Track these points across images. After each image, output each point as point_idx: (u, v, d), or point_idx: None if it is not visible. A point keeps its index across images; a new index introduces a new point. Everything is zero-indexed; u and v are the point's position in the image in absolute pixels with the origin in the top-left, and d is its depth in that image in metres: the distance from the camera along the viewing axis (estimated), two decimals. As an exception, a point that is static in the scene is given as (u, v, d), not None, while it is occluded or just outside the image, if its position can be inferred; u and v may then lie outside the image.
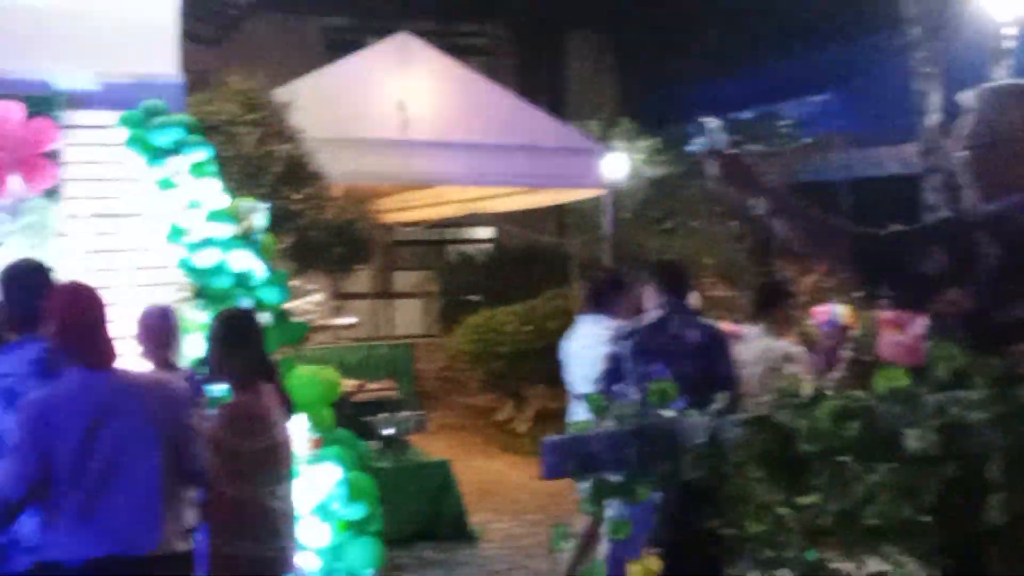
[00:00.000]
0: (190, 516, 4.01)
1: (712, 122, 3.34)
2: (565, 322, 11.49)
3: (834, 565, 2.69)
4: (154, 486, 3.42)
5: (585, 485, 5.57)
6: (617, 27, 17.53)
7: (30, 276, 4.15)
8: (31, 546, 3.52)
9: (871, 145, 12.88)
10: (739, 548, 2.92)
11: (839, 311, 7.76)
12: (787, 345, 6.19)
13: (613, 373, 5.42)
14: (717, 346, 5.20)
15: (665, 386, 6.47)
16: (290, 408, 4.57)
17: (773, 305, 6.38)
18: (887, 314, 7.62)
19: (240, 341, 4.28)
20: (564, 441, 6.32)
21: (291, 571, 4.67)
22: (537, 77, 16.15)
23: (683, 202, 12.10)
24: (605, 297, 6.20)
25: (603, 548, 6.08)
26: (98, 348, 3.49)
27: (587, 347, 6.08)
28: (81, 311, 3.52)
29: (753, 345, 6.06)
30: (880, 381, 2.57)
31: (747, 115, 12.76)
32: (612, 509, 4.11)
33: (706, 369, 4.91)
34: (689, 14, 16.60)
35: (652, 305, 5.47)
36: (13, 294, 4.09)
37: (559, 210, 12.76)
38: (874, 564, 2.54)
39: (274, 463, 4.20)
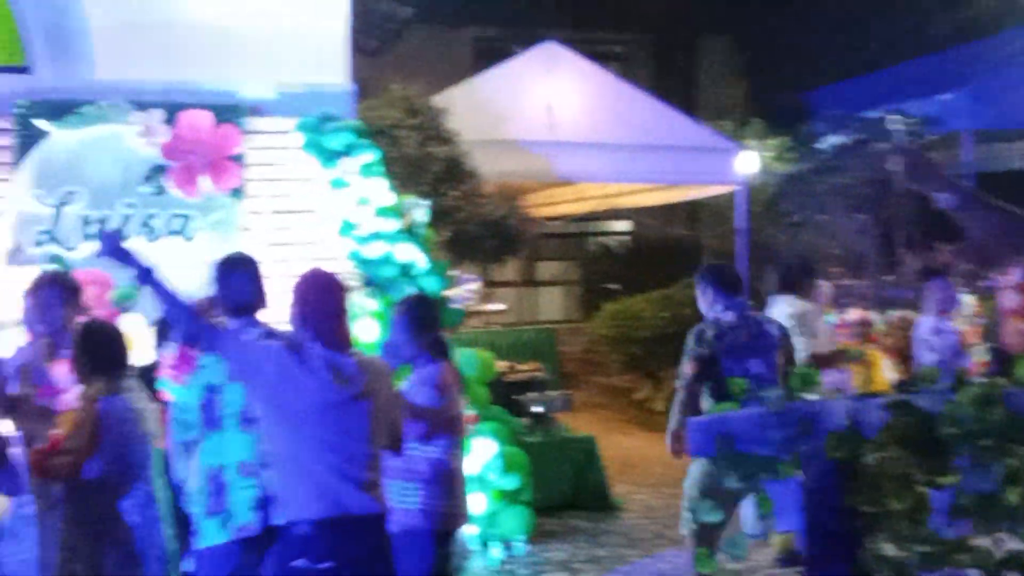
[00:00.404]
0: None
1: (897, 120, 3.41)
2: (698, 309, 11.73)
3: (973, 543, 2.83)
4: (371, 453, 3.57)
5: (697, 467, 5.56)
6: (747, 31, 17.52)
7: (248, 266, 4.39)
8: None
9: (995, 141, 12.73)
10: (879, 524, 3.08)
11: (965, 300, 7.56)
12: None
13: (701, 375, 5.55)
14: (788, 340, 5.49)
15: (808, 372, 6.49)
16: (462, 383, 4.75)
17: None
18: (1011, 303, 7.39)
19: (429, 322, 4.48)
20: (709, 421, 6.22)
21: (463, 526, 4.91)
22: (671, 80, 16.10)
23: (811, 197, 11.95)
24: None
25: (743, 521, 6.14)
26: (339, 331, 3.61)
27: None
28: (328, 296, 3.65)
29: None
30: (1020, 369, 2.68)
31: (874, 114, 12.63)
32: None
33: (788, 361, 5.28)
34: (817, 16, 16.46)
35: (716, 307, 5.61)
36: (233, 282, 4.28)
37: (692, 205, 12.79)
38: (1014, 543, 2.67)
39: (460, 428, 4.44)
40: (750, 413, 6.09)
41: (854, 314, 8.00)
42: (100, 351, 4.17)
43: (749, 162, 9.25)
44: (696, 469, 5.67)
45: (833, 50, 15.99)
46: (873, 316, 8.02)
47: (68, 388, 4.48)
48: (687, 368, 5.58)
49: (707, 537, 5.56)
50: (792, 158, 11.69)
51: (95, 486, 3.97)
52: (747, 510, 5.99)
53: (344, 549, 3.41)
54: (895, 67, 14.49)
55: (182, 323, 3.80)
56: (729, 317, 5.59)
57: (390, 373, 3.93)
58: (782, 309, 6.58)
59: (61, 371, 4.51)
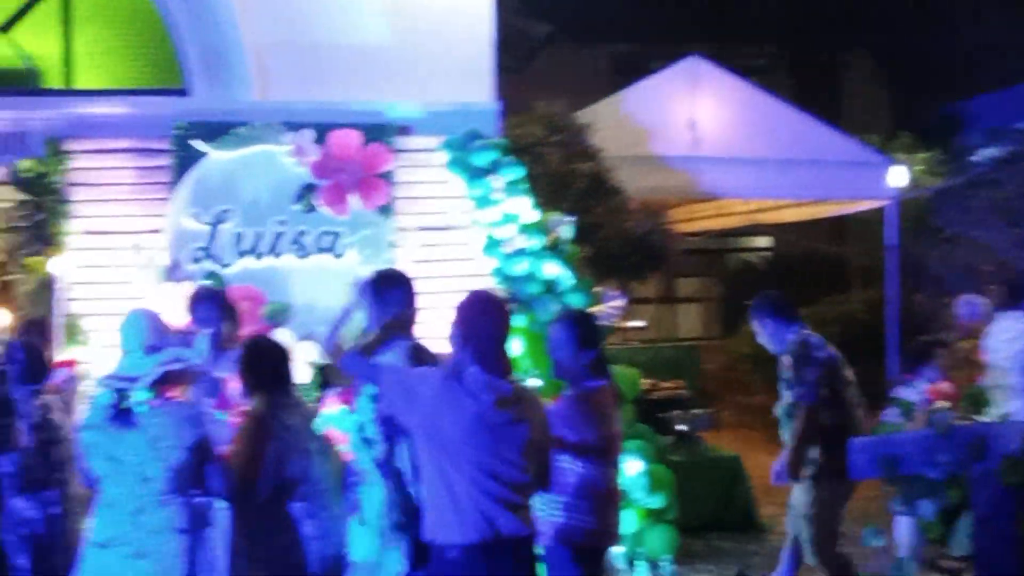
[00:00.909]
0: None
1: None
2: (847, 327, 11.10)
3: None
4: (524, 478, 3.55)
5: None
6: (891, 41, 17.33)
7: (403, 282, 4.48)
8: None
9: None
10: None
11: None
12: None
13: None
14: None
15: (980, 392, 6.11)
16: (620, 401, 4.66)
17: None
18: None
19: (591, 339, 4.36)
20: (872, 442, 5.85)
21: (615, 545, 4.88)
22: (813, 93, 16.00)
23: (965, 212, 11.68)
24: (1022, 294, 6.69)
25: (905, 544, 6.27)
26: (499, 356, 3.61)
27: (1007, 341, 6.58)
28: (490, 320, 3.66)
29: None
30: None
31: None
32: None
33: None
34: (965, 25, 16.15)
35: (784, 335, 5.71)
36: (388, 297, 4.34)
37: (836, 221, 12.65)
38: None
39: (614, 450, 4.30)
40: (917, 435, 5.80)
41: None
42: (264, 367, 4.26)
43: (900, 176, 9.15)
44: (801, 496, 5.69)
45: (985, 60, 15.79)
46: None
47: (239, 402, 4.59)
48: (809, 392, 5.52)
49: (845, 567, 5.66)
50: (943, 172, 11.45)
51: (261, 499, 4.03)
52: (901, 532, 6.31)
53: (494, 572, 3.44)
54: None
55: (355, 370, 3.96)
56: (815, 341, 5.73)
57: (542, 404, 3.91)
58: (1009, 324, 6.66)
59: (234, 385, 4.64)
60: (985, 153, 12.54)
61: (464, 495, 3.42)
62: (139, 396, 3.95)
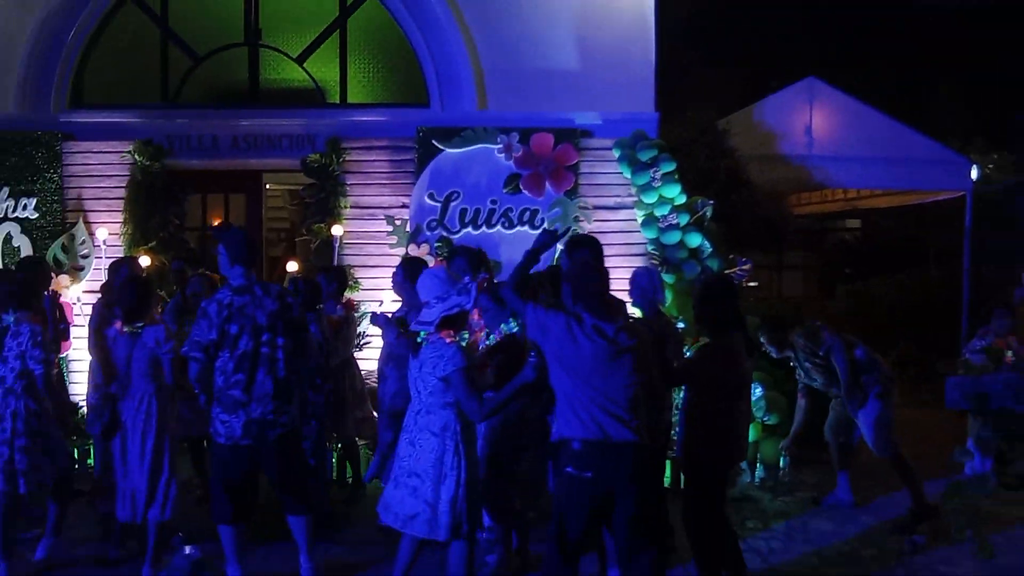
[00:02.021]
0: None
1: None
2: (925, 294, 11.66)
3: None
4: (636, 390, 3.77)
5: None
6: (971, 67, 17.16)
7: (591, 244, 4.82)
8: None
9: None
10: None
11: None
12: None
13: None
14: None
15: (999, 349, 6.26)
16: (753, 350, 4.79)
17: None
18: None
19: (715, 298, 4.51)
20: (966, 380, 6.72)
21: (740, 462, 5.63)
22: (906, 107, 15.12)
23: None
24: None
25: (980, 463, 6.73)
26: (602, 304, 3.83)
27: None
28: (590, 280, 3.89)
29: None
30: None
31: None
32: None
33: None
34: None
35: None
36: (577, 255, 4.65)
37: (920, 208, 12.45)
38: None
39: (739, 390, 4.44)
40: (1006, 376, 6.61)
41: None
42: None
43: (973, 172, 9.29)
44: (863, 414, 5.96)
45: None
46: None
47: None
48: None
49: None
50: (1012, 170, 11.59)
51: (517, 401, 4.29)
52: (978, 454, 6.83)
53: (602, 465, 3.70)
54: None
55: (509, 300, 4.17)
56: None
57: (650, 338, 4.01)
58: None
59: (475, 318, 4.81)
60: None
61: (582, 406, 3.70)
62: (423, 335, 4.15)
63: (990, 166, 10.98)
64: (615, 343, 3.73)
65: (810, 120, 8.84)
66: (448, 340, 4.06)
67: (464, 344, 4.24)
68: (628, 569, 3.86)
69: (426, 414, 4.13)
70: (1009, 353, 6.88)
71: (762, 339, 5.87)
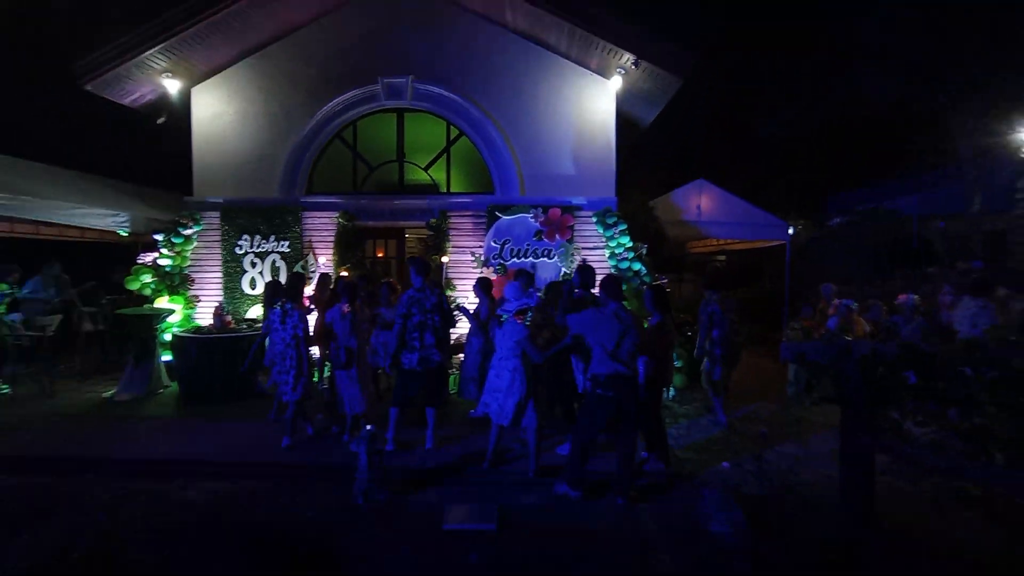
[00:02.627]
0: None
1: None
2: (761, 296, 10.97)
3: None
4: (634, 349, 3.68)
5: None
6: (794, 170, 16.37)
7: (588, 270, 4.86)
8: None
9: None
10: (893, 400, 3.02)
11: None
12: None
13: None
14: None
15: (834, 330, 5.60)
16: (676, 326, 4.81)
17: None
18: None
19: (658, 296, 4.32)
20: (792, 344, 5.65)
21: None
22: (752, 193, 15.08)
23: (823, 249, 11.25)
24: None
25: (793, 389, 6.28)
26: (622, 298, 3.82)
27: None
28: (616, 285, 3.85)
29: None
30: None
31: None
32: None
33: None
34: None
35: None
36: (584, 275, 4.79)
37: (759, 250, 11.11)
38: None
39: (670, 348, 4.33)
40: (813, 343, 5.48)
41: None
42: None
43: (790, 230, 8.75)
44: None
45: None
46: None
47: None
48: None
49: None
50: (812, 230, 11.19)
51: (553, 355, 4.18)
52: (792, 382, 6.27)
53: (616, 387, 3.68)
54: None
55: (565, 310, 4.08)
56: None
57: (639, 319, 3.98)
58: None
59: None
60: (834, 221, 12.42)
61: (606, 357, 3.69)
62: (505, 318, 4.20)
63: (799, 227, 10.84)
64: (623, 321, 3.69)
65: (700, 202, 8.59)
66: (519, 321, 4.11)
67: (527, 323, 4.26)
68: (621, 444, 3.78)
69: (505, 360, 4.16)
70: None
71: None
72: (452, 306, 6.35)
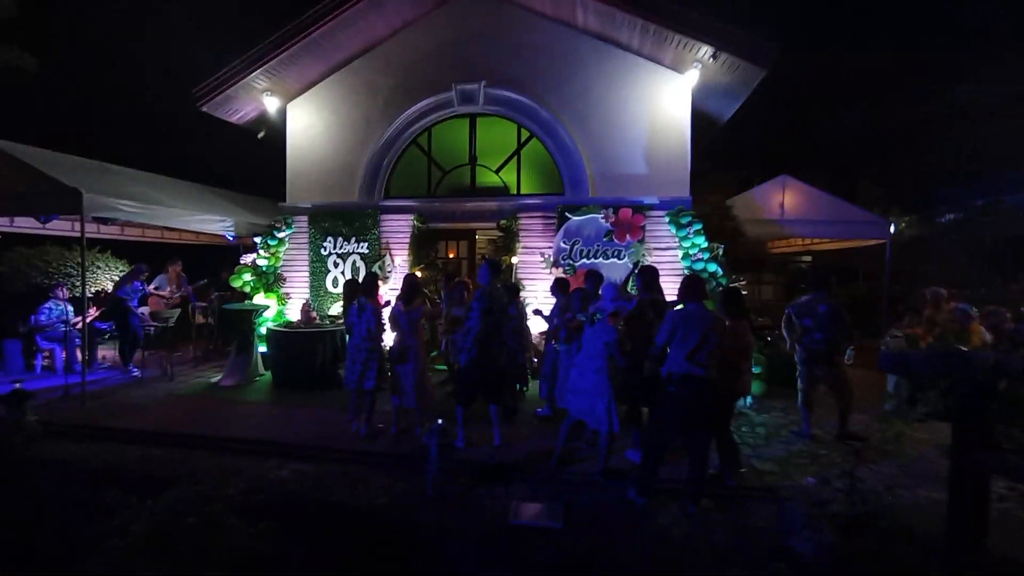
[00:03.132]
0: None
1: None
2: (853, 300, 10.19)
3: None
4: (711, 350, 3.57)
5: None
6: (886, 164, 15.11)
7: (652, 272, 4.73)
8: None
9: None
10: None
11: None
12: None
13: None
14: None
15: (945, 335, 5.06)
16: (754, 329, 4.32)
17: None
18: None
19: (733, 298, 4.21)
20: (895, 354, 5.24)
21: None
22: (840, 189, 13.39)
23: (930, 248, 10.38)
24: None
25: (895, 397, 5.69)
26: (698, 298, 3.66)
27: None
28: (696, 287, 3.72)
29: None
30: None
31: None
32: None
33: None
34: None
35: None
36: (647, 274, 4.65)
37: (851, 249, 10.35)
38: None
39: (746, 352, 4.10)
40: (922, 352, 5.08)
41: None
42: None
43: (892, 228, 8.22)
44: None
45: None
46: None
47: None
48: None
49: None
50: (916, 228, 10.22)
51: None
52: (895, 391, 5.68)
53: (688, 388, 3.60)
54: None
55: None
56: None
57: (721, 321, 3.77)
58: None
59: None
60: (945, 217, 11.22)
61: (682, 357, 3.61)
62: (597, 318, 4.07)
63: (902, 224, 9.94)
64: (704, 321, 3.62)
65: (782, 199, 8.17)
66: (611, 322, 4.04)
67: (620, 326, 4.17)
68: (693, 449, 3.67)
69: (591, 359, 4.06)
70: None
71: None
72: (531, 309, 6.31)
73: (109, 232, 9.14)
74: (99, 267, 9.41)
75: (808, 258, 14.47)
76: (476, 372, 4.60)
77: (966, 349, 3.50)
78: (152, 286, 8.22)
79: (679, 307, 3.71)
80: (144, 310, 7.99)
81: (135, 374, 7.37)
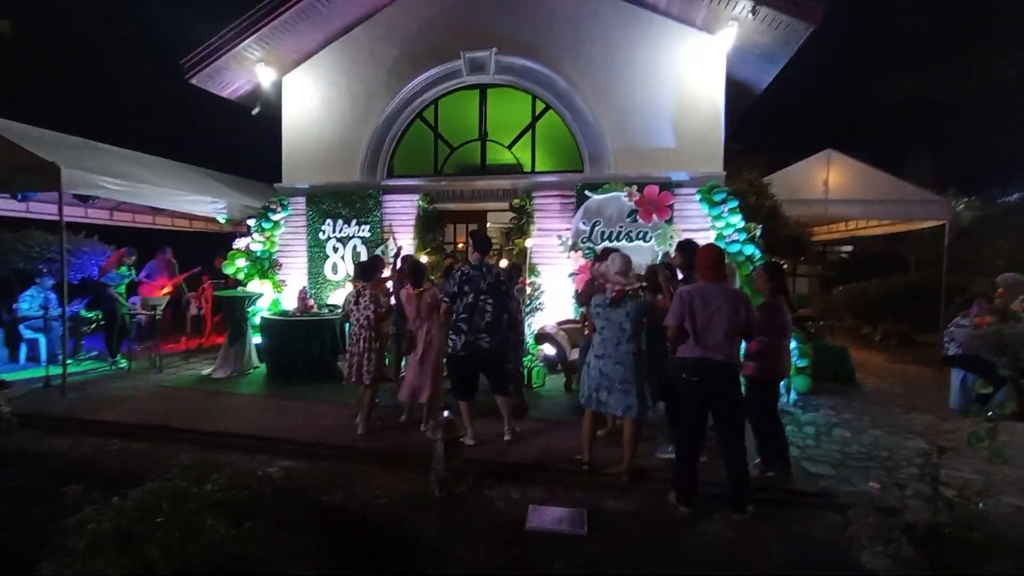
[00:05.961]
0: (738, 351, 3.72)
1: None
2: (906, 289, 10.28)
3: None
4: (727, 331, 3.45)
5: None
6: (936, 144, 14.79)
7: (689, 246, 4.43)
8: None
9: None
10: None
11: None
12: None
13: None
14: None
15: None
16: (792, 307, 4.19)
17: None
18: None
19: (771, 273, 4.14)
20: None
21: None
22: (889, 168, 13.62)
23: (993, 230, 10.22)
24: None
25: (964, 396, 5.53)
26: (713, 275, 3.50)
27: None
28: (716, 260, 3.59)
29: None
30: None
31: None
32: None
33: None
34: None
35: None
36: (689, 258, 4.30)
37: (900, 235, 10.62)
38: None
39: (783, 330, 4.01)
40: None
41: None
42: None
43: (948, 208, 7.96)
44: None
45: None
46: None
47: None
48: None
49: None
50: (975, 209, 9.96)
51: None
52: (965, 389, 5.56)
53: (704, 374, 3.47)
54: None
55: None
56: None
57: (743, 298, 3.56)
58: None
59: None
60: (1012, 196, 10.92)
61: (694, 340, 3.51)
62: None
63: (962, 205, 9.56)
64: (716, 297, 3.53)
65: (827, 176, 7.91)
66: (641, 296, 3.96)
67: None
68: (726, 446, 3.60)
69: (626, 343, 3.90)
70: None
71: None
72: (527, 290, 6.19)
73: (98, 216, 9.07)
74: (85, 251, 9.30)
75: (849, 248, 14.08)
76: (461, 361, 4.49)
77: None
78: (142, 274, 8.17)
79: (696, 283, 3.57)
80: (135, 299, 7.93)
81: (122, 365, 7.31)
